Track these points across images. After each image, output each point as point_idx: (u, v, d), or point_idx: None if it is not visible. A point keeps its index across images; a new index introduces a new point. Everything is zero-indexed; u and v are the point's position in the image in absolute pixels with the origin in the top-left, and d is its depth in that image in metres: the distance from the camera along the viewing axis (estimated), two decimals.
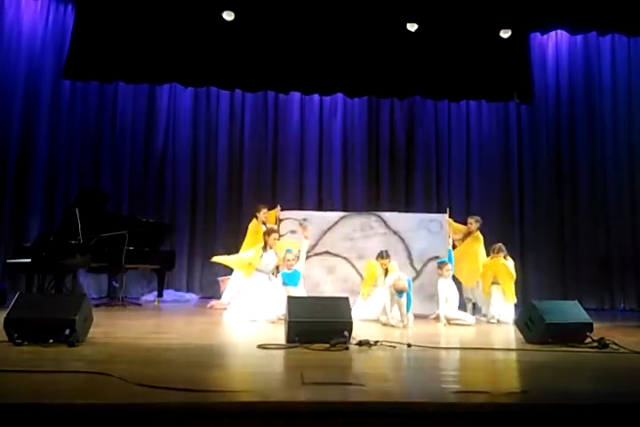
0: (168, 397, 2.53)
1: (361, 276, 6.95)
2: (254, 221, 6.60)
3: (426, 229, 7.14)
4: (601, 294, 9.18)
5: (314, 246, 6.82)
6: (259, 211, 6.54)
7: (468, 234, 7.07)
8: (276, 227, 6.64)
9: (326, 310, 4.51)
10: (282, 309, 5.74)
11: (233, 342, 4.91)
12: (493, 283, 6.54)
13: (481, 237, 7.02)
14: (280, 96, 9.85)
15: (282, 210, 7.10)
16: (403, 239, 7.14)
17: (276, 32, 8.74)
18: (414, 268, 6.98)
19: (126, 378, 2.79)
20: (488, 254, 6.85)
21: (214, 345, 4.66)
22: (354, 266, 7.05)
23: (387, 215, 7.28)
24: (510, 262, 6.55)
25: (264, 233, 6.38)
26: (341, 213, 7.25)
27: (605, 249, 9.21)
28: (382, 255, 6.46)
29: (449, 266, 6.51)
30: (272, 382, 3.12)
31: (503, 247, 6.60)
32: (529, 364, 3.84)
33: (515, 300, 6.42)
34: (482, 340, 5.21)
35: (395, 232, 7.16)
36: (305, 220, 7.00)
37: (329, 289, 6.80)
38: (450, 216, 7.24)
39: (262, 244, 6.33)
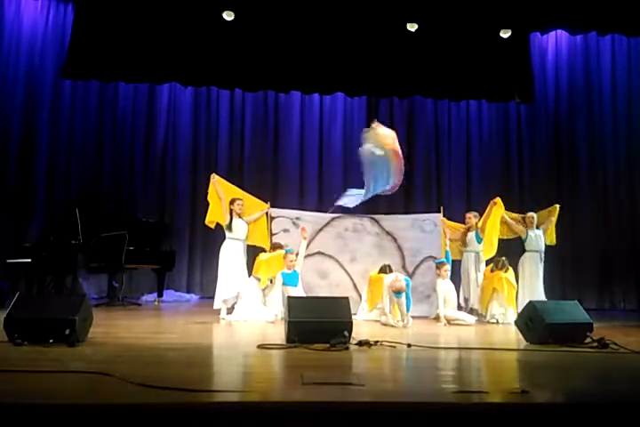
0: (168, 397, 2.53)
1: (352, 280, 6.94)
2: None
3: (419, 229, 7.11)
4: (601, 294, 9.18)
5: (307, 246, 6.78)
6: (232, 203, 6.55)
7: (467, 231, 7.06)
8: (238, 197, 6.69)
9: (326, 310, 4.51)
10: (281, 308, 5.79)
11: (233, 342, 4.90)
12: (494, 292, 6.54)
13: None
14: (280, 95, 9.85)
15: (272, 207, 7.04)
16: (395, 239, 7.10)
17: (276, 32, 8.74)
18: (406, 271, 6.92)
19: (127, 378, 2.79)
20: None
21: (214, 345, 4.67)
22: (346, 270, 7.01)
23: (379, 217, 7.24)
24: (510, 274, 6.55)
25: (229, 203, 6.55)
26: (333, 215, 7.19)
27: (605, 249, 9.21)
28: (385, 270, 6.41)
29: (447, 266, 6.51)
30: (272, 382, 3.12)
31: (506, 262, 6.58)
32: (529, 364, 3.84)
33: (514, 307, 6.39)
34: (482, 340, 5.21)
35: (387, 232, 7.12)
36: (297, 218, 6.99)
37: (322, 294, 6.72)
38: (444, 215, 7.22)
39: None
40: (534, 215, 7.15)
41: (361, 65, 8.87)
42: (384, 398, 2.66)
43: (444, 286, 6.40)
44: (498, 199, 6.98)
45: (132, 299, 8.17)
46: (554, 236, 7.32)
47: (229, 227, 6.49)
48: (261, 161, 9.80)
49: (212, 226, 6.73)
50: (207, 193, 6.78)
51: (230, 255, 6.45)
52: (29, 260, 7.07)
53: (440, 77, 9.04)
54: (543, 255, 7.09)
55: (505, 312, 6.37)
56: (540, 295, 6.82)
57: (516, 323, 5.03)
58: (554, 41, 9.84)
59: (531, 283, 6.95)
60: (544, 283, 7.08)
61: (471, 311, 6.74)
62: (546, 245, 7.19)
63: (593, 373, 3.56)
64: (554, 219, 7.29)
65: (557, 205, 7.35)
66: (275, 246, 6.61)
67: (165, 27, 8.59)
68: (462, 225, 7.19)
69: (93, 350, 3.91)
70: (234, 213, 6.53)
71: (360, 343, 4.22)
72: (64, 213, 7.84)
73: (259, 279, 6.37)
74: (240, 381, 3.18)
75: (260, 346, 4.12)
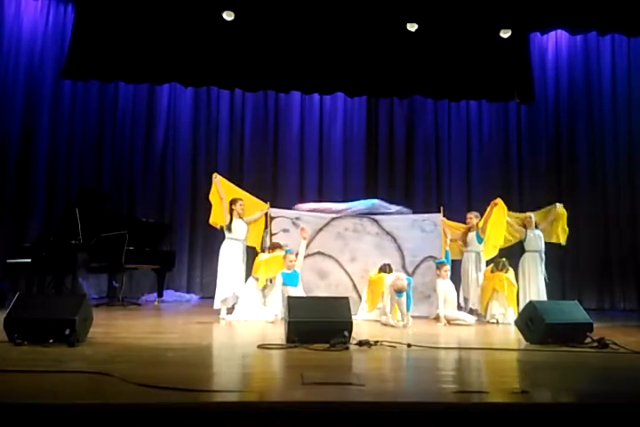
0: (168, 397, 2.53)
1: (352, 280, 6.94)
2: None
3: (419, 229, 7.10)
4: (601, 294, 9.18)
5: (307, 246, 6.76)
6: (234, 204, 6.54)
7: (467, 231, 7.06)
8: (239, 197, 6.68)
9: (326, 310, 4.51)
10: (281, 308, 5.79)
11: (233, 342, 4.91)
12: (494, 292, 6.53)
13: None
14: (280, 95, 9.85)
15: (272, 207, 7.03)
16: (395, 239, 7.08)
17: (276, 32, 8.73)
18: (406, 271, 6.90)
19: (126, 378, 2.79)
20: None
21: (214, 345, 4.67)
22: (346, 271, 7.01)
23: (379, 217, 7.20)
24: (511, 274, 6.55)
25: (230, 203, 6.54)
26: (333, 215, 7.18)
27: (605, 249, 9.20)
28: (385, 270, 6.41)
29: (447, 266, 6.51)
30: (272, 382, 3.12)
31: (506, 263, 6.58)
32: (529, 364, 3.84)
33: (515, 306, 6.39)
34: (482, 340, 5.21)
35: (387, 232, 7.11)
36: (297, 219, 6.98)
37: (322, 294, 6.70)
38: (444, 215, 7.21)
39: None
40: (532, 215, 7.15)
41: (361, 65, 8.87)
42: (384, 398, 2.66)
43: (444, 286, 6.40)
44: (499, 200, 6.98)
45: (132, 299, 8.16)
46: (564, 235, 7.30)
47: (229, 227, 6.49)
48: (261, 161, 9.80)
49: (217, 226, 6.72)
50: (208, 193, 6.77)
51: (229, 256, 6.45)
52: (29, 260, 7.07)
53: (440, 77, 9.03)
54: (543, 255, 7.09)
55: (505, 312, 6.37)
56: (541, 295, 6.81)
57: (516, 323, 5.03)
58: (554, 41, 9.84)
59: (531, 283, 6.94)
60: (545, 283, 7.07)
61: (471, 311, 6.74)
62: (546, 244, 7.18)
63: (593, 373, 3.56)
64: (553, 219, 7.28)
65: (558, 205, 7.31)
66: (274, 246, 6.61)
67: (165, 27, 8.59)
68: (462, 225, 7.19)
69: (93, 350, 3.91)
70: (235, 214, 6.52)
71: (360, 343, 4.22)
72: (64, 213, 7.84)
73: (258, 279, 6.38)
74: (240, 381, 3.18)
75: (260, 346, 4.12)
